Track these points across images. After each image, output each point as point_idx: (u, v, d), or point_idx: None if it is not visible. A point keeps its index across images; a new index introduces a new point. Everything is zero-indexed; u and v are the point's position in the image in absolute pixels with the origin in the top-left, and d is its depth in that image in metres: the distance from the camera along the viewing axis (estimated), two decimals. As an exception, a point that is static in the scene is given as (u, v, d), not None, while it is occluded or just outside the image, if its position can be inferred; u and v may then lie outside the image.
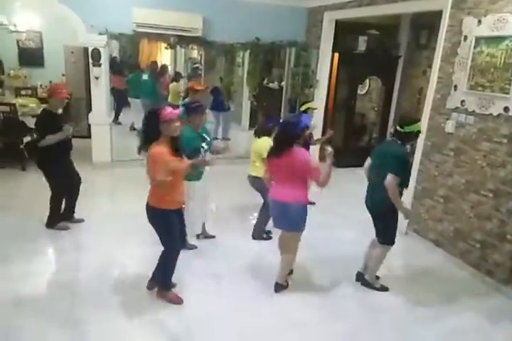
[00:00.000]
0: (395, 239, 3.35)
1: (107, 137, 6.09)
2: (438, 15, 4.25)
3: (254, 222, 4.34)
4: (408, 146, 3.37)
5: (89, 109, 6.13)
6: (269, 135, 3.96)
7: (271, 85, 9.83)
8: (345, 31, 6.50)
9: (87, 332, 2.77)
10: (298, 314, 3.14)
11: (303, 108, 4.92)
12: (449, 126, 4.09)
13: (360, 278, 3.58)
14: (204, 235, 4.19)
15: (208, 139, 3.75)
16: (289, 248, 3.32)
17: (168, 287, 3.15)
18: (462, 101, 3.95)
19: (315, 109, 5.13)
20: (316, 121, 6.68)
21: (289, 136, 3.07)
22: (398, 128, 3.17)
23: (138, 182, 3.64)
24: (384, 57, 6.91)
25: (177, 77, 8.98)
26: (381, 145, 3.49)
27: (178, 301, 3.12)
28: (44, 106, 4.24)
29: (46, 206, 4.11)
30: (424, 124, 4.38)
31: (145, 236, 3.70)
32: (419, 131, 3.24)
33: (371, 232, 3.44)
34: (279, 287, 3.36)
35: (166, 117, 2.77)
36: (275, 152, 3.09)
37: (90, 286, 3.27)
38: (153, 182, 2.82)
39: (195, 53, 12.71)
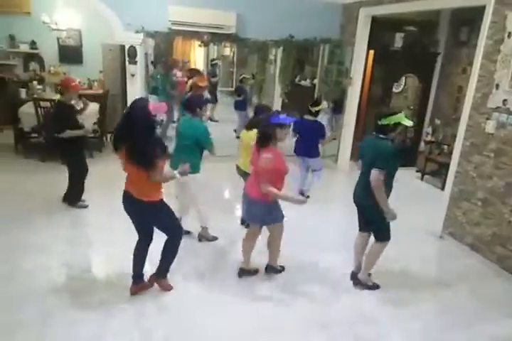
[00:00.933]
0: (389, 235, 3.31)
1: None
2: (480, 10, 4.08)
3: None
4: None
5: (125, 105, 6.27)
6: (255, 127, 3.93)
7: (303, 83, 9.78)
8: (381, 28, 6.35)
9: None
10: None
11: (318, 108, 4.99)
12: (490, 126, 3.94)
13: (354, 277, 3.54)
14: (206, 238, 4.11)
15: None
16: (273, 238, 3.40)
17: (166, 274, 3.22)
18: (504, 101, 3.79)
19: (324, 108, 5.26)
20: (350, 120, 6.60)
21: (261, 133, 3.12)
22: (378, 121, 3.14)
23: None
24: (422, 55, 6.71)
25: (193, 73, 8.93)
26: (367, 141, 3.33)
27: (169, 288, 3.22)
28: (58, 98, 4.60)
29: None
30: (463, 124, 4.25)
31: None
32: (397, 124, 3.08)
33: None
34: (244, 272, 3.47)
35: (154, 110, 2.76)
36: (256, 146, 3.16)
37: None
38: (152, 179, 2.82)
39: (227, 51, 12.82)
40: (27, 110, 6.11)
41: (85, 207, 4.62)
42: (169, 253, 3.13)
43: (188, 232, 4.09)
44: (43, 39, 7.92)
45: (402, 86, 7.01)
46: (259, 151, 3.10)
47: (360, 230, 3.49)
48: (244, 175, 3.98)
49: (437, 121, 6.83)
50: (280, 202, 3.26)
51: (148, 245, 3.13)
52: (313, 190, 5.34)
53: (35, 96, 6.49)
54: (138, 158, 2.69)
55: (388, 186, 3.18)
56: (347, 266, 3.61)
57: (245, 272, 3.51)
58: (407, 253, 4.11)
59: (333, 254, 3.95)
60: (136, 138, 2.68)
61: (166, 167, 2.99)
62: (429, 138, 6.75)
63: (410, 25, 6.57)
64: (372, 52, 6.56)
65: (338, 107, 6.92)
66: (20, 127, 6.19)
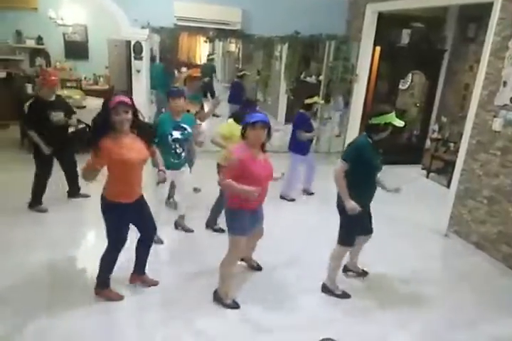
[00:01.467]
0: (351, 242, 3.13)
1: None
2: (488, 7, 4.03)
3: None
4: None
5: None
6: (235, 119, 3.88)
7: (308, 79, 9.71)
8: (387, 24, 6.30)
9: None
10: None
11: (309, 101, 4.86)
12: (497, 124, 3.90)
13: (345, 269, 3.53)
14: (183, 227, 4.16)
15: (188, 130, 3.71)
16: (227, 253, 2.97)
17: (107, 284, 3.02)
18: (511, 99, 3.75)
19: (318, 103, 5.08)
20: (355, 117, 6.56)
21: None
22: (368, 120, 3.02)
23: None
24: (428, 51, 6.65)
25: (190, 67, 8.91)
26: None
27: (117, 298, 3.02)
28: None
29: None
30: (469, 121, 4.21)
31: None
32: (388, 124, 2.91)
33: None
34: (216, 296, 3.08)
35: (116, 102, 2.58)
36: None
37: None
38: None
39: (233, 47, 12.76)
40: (33, 105, 6.11)
41: (44, 211, 4.37)
42: (101, 262, 2.97)
43: (191, 230, 4.14)
44: (49, 34, 7.95)
45: (408, 83, 6.97)
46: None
47: None
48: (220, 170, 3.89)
49: (444, 119, 6.79)
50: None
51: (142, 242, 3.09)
52: (316, 186, 5.34)
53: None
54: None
55: (370, 186, 3.09)
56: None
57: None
58: (411, 252, 4.10)
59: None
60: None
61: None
62: (435, 135, 6.71)
63: (417, 21, 6.52)
64: (378, 48, 6.52)
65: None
66: (26, 122, 6.20)
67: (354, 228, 3.11)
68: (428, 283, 3.58)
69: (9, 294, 3.02)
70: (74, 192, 4.77)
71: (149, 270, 3.24)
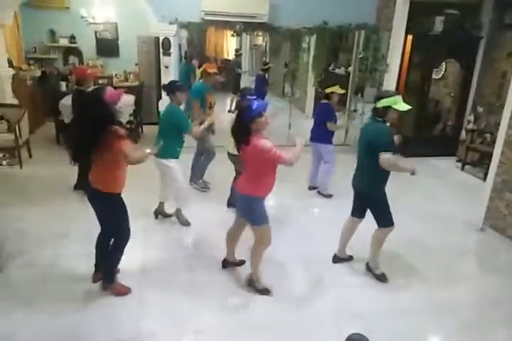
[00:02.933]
0: (392, 221, 3.20)
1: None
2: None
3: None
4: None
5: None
6: None
7: (337, 71, 9.57)
8: (420, 11, 6.10)
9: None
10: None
11: (328, 90, 4.78)
12: (537, 113, 3.72)
13: (336, 259, 3.56)
14: (162, 214, 4.24)
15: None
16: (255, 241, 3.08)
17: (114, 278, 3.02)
18: (554, 86, 3.56)
19: (341, 94, 4.89)
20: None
21: (240, 122, 2.83)
22: (374, 103, 3.06)
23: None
24: (463, 39, 6.39)
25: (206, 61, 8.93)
26: (365, 124, 3.32)
27: (126, 291, 3.01)
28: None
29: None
30: (507, 111, 4.03)
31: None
32: (388, 107, 2.97)
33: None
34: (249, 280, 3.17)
35: (110, 97, 2.65)
36: (237, 139, 2.92)
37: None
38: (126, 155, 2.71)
39: (260, 40, 12.71)
40: (67, 102, 6.30)
41: None
42: (111, 255, 2.98)
43: (168, 216, 4.22)
44: (82, 33, 8.14)
45: (442, 72, 6.74)
46: (243, 143, 2.86)
47: (352, 215, 3.43)
48: (235, 159, 3.86)
49: (479, 109, 6.52)
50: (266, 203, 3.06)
51: (106, 239, 3.01)
52: (340, 180, 5.24)
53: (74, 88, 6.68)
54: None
55: (387, 171, 3.10)
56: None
57: (229, 263, 3.41)
58: (445, 246, 3.99)
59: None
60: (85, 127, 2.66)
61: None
62: (470, 126, 6.46)
63: (451, 7, 6.26)
64: (410, 37, 6.32)
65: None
66: (60, 119, 6.41)
67: (389, 208, 3.19)
68: (463, 279, 3.48)
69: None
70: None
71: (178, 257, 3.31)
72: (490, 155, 4.48)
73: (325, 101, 4.87)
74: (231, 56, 11.97)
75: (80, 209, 4.39)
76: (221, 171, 4.78)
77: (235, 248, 3.37)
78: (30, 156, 5.88)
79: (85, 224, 4.07)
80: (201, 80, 4.84)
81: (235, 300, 3.08)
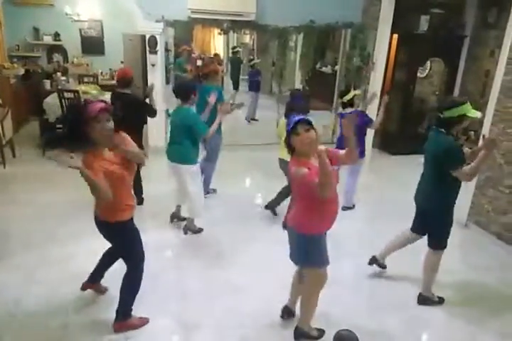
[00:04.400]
0: (446, 243, 3.01)
1: (162, 123, 6.26)
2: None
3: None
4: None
5: (146, 96, 6.30)
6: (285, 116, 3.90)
7: (324, 69, 9.62)
8: (405, 10, 6.15)
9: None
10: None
11: (349, 97, 4.32)
12: (519, 111, 3.79)
13: (373, 261, 3.43)
14: (191, 230, 4.00)
15: None
16: (304, 287, 2.62)
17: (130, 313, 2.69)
18: (535, 84, 3.63)
19: (359, 95, 4.58)
20: (372, 106, 6.46)
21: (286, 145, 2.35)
22: (439, 113, 2.78)
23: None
24: (448, 38, 6.47)
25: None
26: (430, 134, 2.91)
27: (144, 322, 2.73)
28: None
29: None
30: (490, 109, 4.11)
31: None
32: (462, 115, 2.70)
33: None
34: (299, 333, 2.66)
35: (91, 113, 2.20)
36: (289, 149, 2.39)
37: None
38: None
39: (247, 38, 12.70)
40: (51, 101, 6.24)
41: None
42: (126, 289, 2.63)
43: (184, 219, 4.10)
44: (66, 31, 8.05)
45: (427, 70, 6.81)
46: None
47: (412, 230, 3.21)
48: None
49: (464, 107, 6.62)
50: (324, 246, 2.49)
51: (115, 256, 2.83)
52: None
53: (59, 87, 6.61)
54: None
55: (456, 186, 2.89)
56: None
57: (289, 313, 2.86)
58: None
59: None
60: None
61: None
62: (455, 124, 6.55)
63: (436, 7, 6.34)
64: (396, 36, 6.37)
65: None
66: (45, 118, 6.33)
67: (450, 228, 2.96)
68: (448, 274, 3.52)
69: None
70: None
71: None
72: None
73: (351, 109, 4.38)
74: (220, 53, 11.94)
75: (65, 209, 4.37)
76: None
77: (298, 297, 2.76)
78: (14, 156, 5.79)
79: (72, 224, 4.04)
80: (205, 82, 4.67)
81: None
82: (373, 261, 3.45)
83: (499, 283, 3.43)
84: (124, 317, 2.65)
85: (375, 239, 3.72)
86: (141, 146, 4.06)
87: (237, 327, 2.78)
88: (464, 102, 2.73)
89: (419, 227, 3.13)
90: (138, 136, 3.97)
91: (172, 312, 2.89)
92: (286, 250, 2.55)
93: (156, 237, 3.73)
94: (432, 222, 2.97)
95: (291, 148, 2.32)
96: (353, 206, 4.72)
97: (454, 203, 2.93)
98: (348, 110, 4.36)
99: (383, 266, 3.45)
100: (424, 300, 3.11)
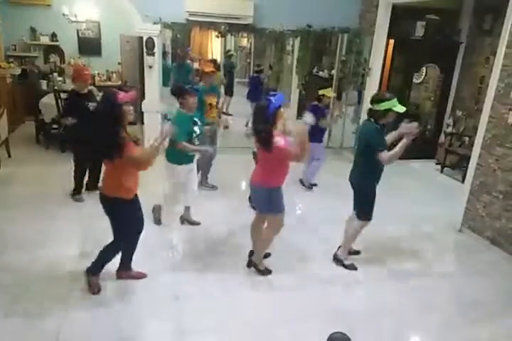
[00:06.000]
0: (371, 216, 3.38)
1: (158, 124, 6.26)
2: (505, -3, 3.95)
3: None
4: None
5: (143, 97, 6.31)
6: None
7: (320, 74, 9.65)
8: (401, 16, 6.21)
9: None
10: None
11: (320, 93, 4.94)
12: (513, 118, 3.82)
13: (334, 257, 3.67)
14: (188, 221, 4.18)
15: (200, 123, 3.84)
16: (265, 230, 3.38)
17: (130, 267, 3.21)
18: (529, 91, 3.67)
19: (330, 97, 5.13)
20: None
21: (263, 121, 2.98)
22: (370, 105, 3.22)
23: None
24: (443, 44, 6.53)
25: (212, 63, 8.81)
26: (361, 126, 3.55)
27: (141, 276, 3.22)
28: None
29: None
30: (485, 115, 4.14)
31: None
32: (388, 110, 3.11)
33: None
34: (253, 265, 3.43)
35: (121, 100, 2.66)
36: (262, 140, 3.01)
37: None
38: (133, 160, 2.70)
39: (244, 42, 12.73)
40: (47, 101, 6.21)
41: (81, 201, 4.56)
42: (103, 253, 3.04)
43: (196, 223, 4.16)
44: (63, 31, 8.02)
45: (422, 76, 6.86)
46: (271, 139, 2.98)
47: (354, 209, 3.55)
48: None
49: (459, 113, 6.68)
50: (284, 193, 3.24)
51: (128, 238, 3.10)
52: (326, 181, 5.33)
53: (55, 87, 6.58)
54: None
55: (380, 167, 3.26)
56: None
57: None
58: (425, 247, 4.07)
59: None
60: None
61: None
62: (449, 129, 6.61)
63: (432, 13, 6.40)
64: (392, 41, 6.43)
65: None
66: (41, 118, 6.30)
67: (373, 203, 3.35)
68: (444, 279, 3.55)
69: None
70: (94, 184, 4.70)
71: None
72: (468, 158, 4.59)
73: (315, 103, 5.01)
74: (217, 57, 11.94)
75: (59, 209, 4.35)
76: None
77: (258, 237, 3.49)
78: (9, 156, 5.75)
79: (66, 225, 4.03)
80: (201, 83, 4.69)
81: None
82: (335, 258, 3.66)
83: (493, 288, 3.45)
84: (92, 272, 3.03)
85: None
86: None
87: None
88: (390, 98, 3.12)
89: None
90: None
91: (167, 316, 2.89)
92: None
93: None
94: (359, 196, 3.40)
95: (272, 123, 2.98)
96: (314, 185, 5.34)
97: (377, 182, 3.35)
98: (314, 102, 5.02)
99: (357, 252, 3.74)
100: (338, 259, 3.60)
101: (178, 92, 3.72)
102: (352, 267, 3.55)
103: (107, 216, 2.92)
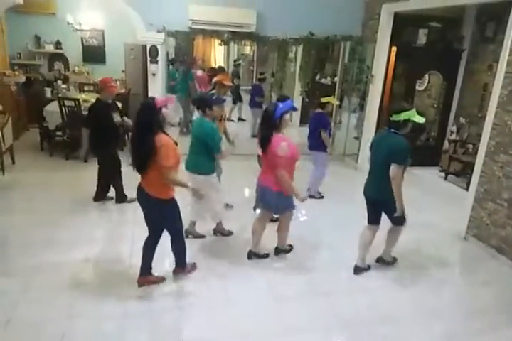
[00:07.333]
0: (405, 218, 3.36)
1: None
2: (507, 5, 3.95)
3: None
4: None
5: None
6: None
7: (323, 81, 9.68)
8: (404, 24, 6.23)
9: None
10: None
11: (323, 100, 4.98)
12: (517, 125, 3.81)
13: (357, 270, 3.60)
14: (221, 232, 4.09)
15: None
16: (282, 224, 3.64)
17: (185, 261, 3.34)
18: (533, 98, 3.66)
19: (333, 104, 5.16)
20: (371, 118, 6.49)
21: (268, 125, 3.23)
22: (389, 116, 3.22)
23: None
24: (446, 51, 6.55)
25: (216, 71, 8.86)
26: (379, 136, 3.45)
27: (194, 268, 3.43)
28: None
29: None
30: (488, 122, 4.13)
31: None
32: (407, 120, 3.13)
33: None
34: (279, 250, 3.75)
35: (159, 104, 2.81)
36: (262, 142, 3.27)
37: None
38: (165, 171, 2.82)
39: (247, 49, 12.81)
40: (52, 109, 6.25)
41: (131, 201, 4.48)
42: (178, 249, 3.27)
43: (202, 236, 4.05)
44: (68, 39, 8.11)
45: (425, 83, 6.87)
46: (270, 140, 3.21)
47: (369, 223, 3.50)
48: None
49: (462, 120, 6.67)
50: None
51: (155, 242, 3.17)
52: (330, 188, 5.31)
53: (59, 95, 6.63)
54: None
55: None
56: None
57: (254, 255, 3.66)
58: (430, 255, 4.03)
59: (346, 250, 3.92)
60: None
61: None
62: (453, 136, 6.59)
63: (434, 21, 6.43)
64: (394, 49, 6.44)
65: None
66: (45, 125, 6.34)
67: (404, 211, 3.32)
68: (449, 287, 3.52)
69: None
70: (102, 195, 4.74)
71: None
72: (472, 166, 4.57)
73: (319, 110, 5.02)
74: (218, 64, 12.02)
75: (64, 216, 4.35)
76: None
77: (260, 240, 3.65)
78: (13, 162, 5.78)
79: (69, 231, 4.04)
80: (213, 91, 4.55)
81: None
82: (359, 270, 3.58)
83: (498, 297, 3.41)
84: (181, 264, 3.31)
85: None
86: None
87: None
88: (409, 109, 3.16)
89: (373, 217, 3.47)
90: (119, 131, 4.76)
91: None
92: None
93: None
94: (388, 209, 3.30)
95: (275, 128, 3.21)
96: (322, 197, 5.25)
97: None
98: (317, 110, 5.04)
99: (367, 269, 3.63)
100: (384, 261, 3.70)
101: (204, 103, 3.65)
102: (395, 261, 3.73)
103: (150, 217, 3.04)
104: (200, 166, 3.66)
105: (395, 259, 3.76)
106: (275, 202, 3.40)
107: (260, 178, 3.46)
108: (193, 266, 3.45)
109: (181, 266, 3.33)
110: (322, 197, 5.24)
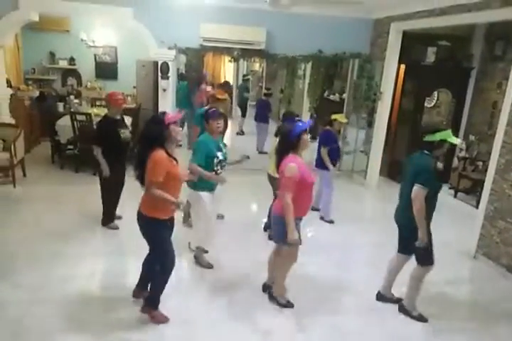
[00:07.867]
0: (432, 260, 3.10)
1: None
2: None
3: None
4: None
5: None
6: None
7: (332, 97, 9.74)
8: (412, 42, 6.30)
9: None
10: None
11: (332, 117, 4.98)
12: (527, 143, 3.79)
13: (380, 298, 3.40)
14: (200, 263, 3.82)
15: (224, 150, 3.71)
16: (279, 263, 3.25)
17: (157, 305, 2.96)
18: (543, 117, 3.65)
19: (343, 123, 5.09)
20: (379, 135, 6.48)
21: (284, 145, 3.06)
22: (422, 137, 3.10)
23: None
24: (455, 69, 6.59)
25: (222, 86, 8.92)
26: (411, 157, 3.22)
27: (164, 320, 2.96)
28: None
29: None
30: (498, 140, 4.11)
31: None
32: (443, 140, 3.00)
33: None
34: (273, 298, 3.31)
35: (169, 120, 2.74)
36: (277, 164, 3.11)
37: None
38: (147, 185, 2.72)
39: (257, 66, 12.98)
40: (64, 123, 6.35)
41: (115, 228, 4.43)
42: (156, 281, 2.96)
43: (209, 266, 3.82)
44: (81, 55, 8.30)
45: (434, 101, 6.87)
46: (282, 160, 3.03)
47: (398, 251, 3.29)
48: (273, 181, 4.03)
49: (471, 137, 6.64)
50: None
51: (152, 261, 3.03)
52: (340, 205, 5.28)
53: (72, 110, 6.74)
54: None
55: (431, 205, 3.05)
56: (372, 287, 3.51)
57: (269, 287, 3.39)
58: (439, 274, 3.92)
59: (356, 274, 3.88)
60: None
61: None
62: (462, 154, 6.56)
63: (443, 39, 6.48)
64: (403, 66, 6.49)
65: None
66: (57, 139, 6.43)
67: (431, 245, 3.08)
68: (455, 305, 3.44)
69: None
70: (111, 218, 4.51)
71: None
72: (482, 183, 4.53)
73: (327, 128, 5.01)
74: (230, 80, 12.17)
75: (72, 230, 4.37)
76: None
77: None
78: (25, 175, 5.85)
79: (77, 245, 4.04)
80: (207, 106, 4.57)
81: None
82: (381, 297, 3.42)
83: (508, 316, 3.33)
84: (151, 306, 2.94)
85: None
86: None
87: None
88: (445, 129, 3.07)
89: (403, 246, 3.22)
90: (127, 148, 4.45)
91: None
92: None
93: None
94: (411, 236, 3.00)
95: (293, 148, 3.00)
96: (332, 221, 5.01)
97: (430, 220, 3.08)
98: (326, 127, 5.02)
99: (395, 300, 3.37)
100: (406, 311, 3.23)
101: (207, 117, 3.64)
102: (422, 319, 3.18)
103: (145, 239, 2.88)
104: (195, 182, 3.56)
105: (421, 316, 3.21)
106: (278, 234, 3.09)
107: (273, 205, 3.22)
108: (164, 318, 2.97)
109: (151, 307, 2.95)
110: (332, 222, 5.02)
